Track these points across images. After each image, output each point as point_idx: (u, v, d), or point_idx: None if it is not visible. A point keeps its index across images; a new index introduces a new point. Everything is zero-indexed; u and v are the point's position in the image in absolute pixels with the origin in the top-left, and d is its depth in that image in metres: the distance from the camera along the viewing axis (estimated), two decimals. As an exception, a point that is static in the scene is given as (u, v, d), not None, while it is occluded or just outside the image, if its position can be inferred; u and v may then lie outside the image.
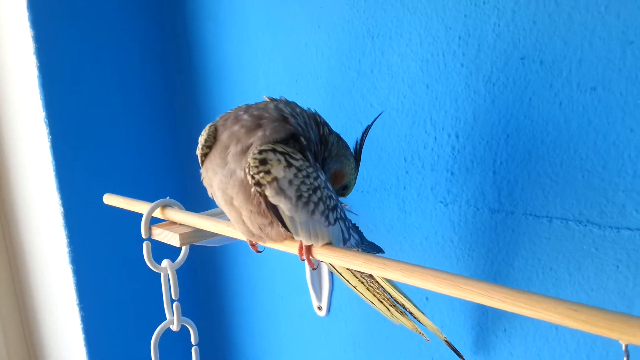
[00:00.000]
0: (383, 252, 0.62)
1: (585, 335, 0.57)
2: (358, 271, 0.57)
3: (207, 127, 0.51)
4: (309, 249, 0.49)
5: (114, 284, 0.94)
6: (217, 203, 0.52)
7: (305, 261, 0.50)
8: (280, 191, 0.45)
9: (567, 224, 0.55)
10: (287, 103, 0.52)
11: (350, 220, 0.56)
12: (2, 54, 0.90)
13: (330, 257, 0.46)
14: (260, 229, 0.49)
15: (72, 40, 0.86)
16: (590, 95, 0.51)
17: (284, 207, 0.46)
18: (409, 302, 0.59)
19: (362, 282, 0.59)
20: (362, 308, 0.79)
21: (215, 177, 0.49)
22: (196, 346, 0.69)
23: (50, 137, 0.85)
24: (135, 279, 0.95)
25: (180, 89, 0.99)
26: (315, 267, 0.51)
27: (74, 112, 0.87)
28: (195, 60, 0.95)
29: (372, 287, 0.59)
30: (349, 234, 0.54)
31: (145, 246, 0.64)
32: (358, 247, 0.56)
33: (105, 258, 0.92)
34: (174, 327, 0.66)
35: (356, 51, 0.71)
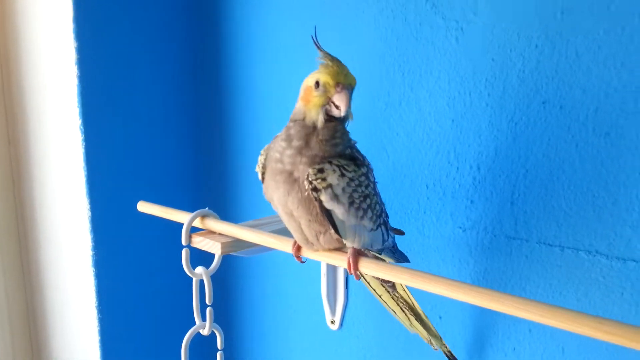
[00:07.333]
0: (409, 261, 0.67)
1: (591, 356, 0.63)
2: (384, 280, 0.63)
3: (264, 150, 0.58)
4: (356, 264, 0.54)
5: (132, 289, 0.97)
6: (278, 214, 0.58)
7: (353, 274, 0.55)
8: (334, 197, 0.51)
9: (578, 253, 0.61)
10: None
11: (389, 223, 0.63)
12: (44, 60, 0.94)
13: (376, 271, 0.51)
14: (316, 236, 0.55)
15: (112, 55, 0.91)
16: (604, 140, 0.58)
17: (338, 211, 0.52)
18: (424, 314, 0.66)
19: (388, 291, 0.65)
20: (374, 323, 0.83)
21: (275, 194, 0.55)
22: (221, 351, 0.73)
23: (84, 143, 0.90)
24: (153, 284, 0.98)
25: (211, 104, 1.04)
26: (359, 278, 0.57)
27: (109, 122, 0.92)
28: (229, 84, 1.00)
29: (395, 296, 0.65)
30: (388, 235, 0.60)
31: (184, 252, 0.68)
32: (393, 246, 0.63)
33: (127, 263, 0.96)
34: (205, 332, 0.70)
35: (386, 84, 0.77)
